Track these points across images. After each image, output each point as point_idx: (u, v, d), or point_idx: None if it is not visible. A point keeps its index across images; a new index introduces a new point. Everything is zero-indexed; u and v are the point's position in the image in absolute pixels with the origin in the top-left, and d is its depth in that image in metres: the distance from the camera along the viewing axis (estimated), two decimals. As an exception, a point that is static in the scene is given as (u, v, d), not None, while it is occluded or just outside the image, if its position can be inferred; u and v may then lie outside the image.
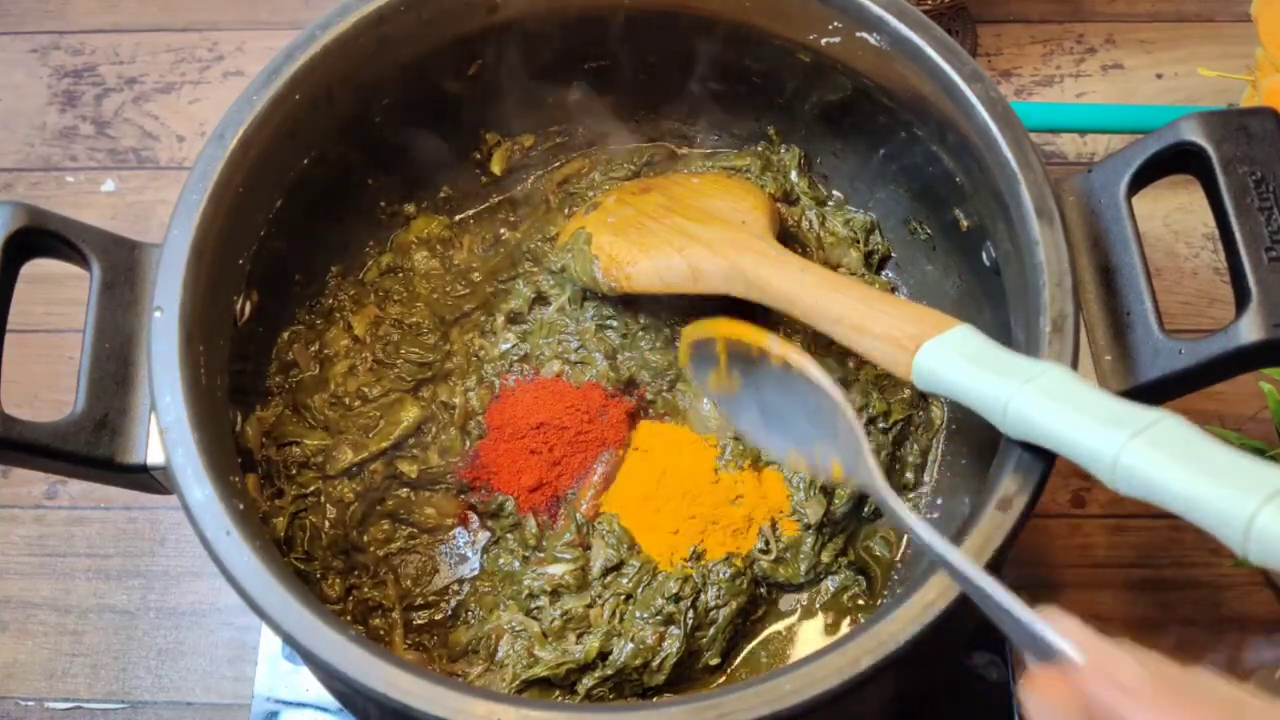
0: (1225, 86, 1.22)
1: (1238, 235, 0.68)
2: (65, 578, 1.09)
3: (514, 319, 0.99)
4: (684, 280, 0.90)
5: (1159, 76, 1.26)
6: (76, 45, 1.34)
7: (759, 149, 1.04)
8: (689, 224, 0.92)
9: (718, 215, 0.93)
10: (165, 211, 1.20)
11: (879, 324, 0.76)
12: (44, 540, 1.11)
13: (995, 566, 0.66)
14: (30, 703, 1.05)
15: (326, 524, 0.91)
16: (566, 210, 1.04)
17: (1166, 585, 1.05)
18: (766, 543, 0.90)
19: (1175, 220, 1.19)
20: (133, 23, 1.35)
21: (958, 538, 0.67)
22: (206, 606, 1.08)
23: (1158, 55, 1.28)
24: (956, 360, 0.70)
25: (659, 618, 0.87)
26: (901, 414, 0.94)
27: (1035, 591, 1.05)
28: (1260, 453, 0.93)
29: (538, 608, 0.88)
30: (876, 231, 1.01)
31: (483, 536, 0.94)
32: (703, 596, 0.88)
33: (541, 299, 1.00)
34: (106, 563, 1.10)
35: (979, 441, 0.88)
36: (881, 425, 0.94)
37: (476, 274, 1.02)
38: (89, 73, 1.32)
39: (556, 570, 0.90)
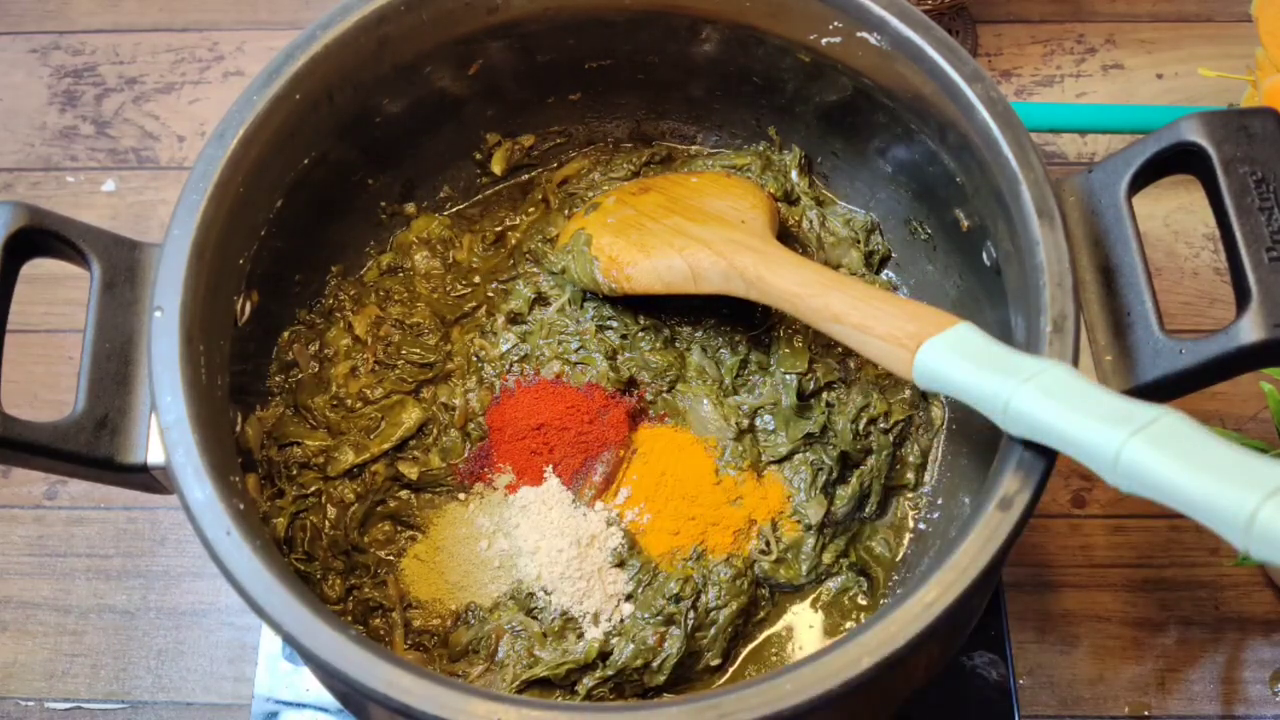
0: (1226, 86, 1.22)
1: (1238, 235, 0.68)
2: (65, 578, 1.09)
3: (514, 319, 0.99)
4: (684, 281, 0.90)
5: (1159, 76, 1.27)
6: (77, 45, 1.34)
7: (759, 149, 1.04)
8: (688, 224, 0.92)
9: (717, 215, 0.93)
10: (165, 211, 1.21)
11: (879, 323, 0.76)
12: (44, 540, 1.11)
13: (996, 566, 0.66)
14: (30, 703, 1.05)
15: (327, 525, 0.91)
16: (566, 211, 1.03)
17: (1166, 585, 1.05)
18: (767, 543, 0.90)
19: (1175, 220, 1.19)
20: (133, 23, 1.35)
21: (959, 538, 0.67)
22: (206, 606, 1.08)
23: (1158, 55, 1.28)
24: (956, 359, 0.70)
25: (659, 618, 0.87)
26: (902, 414, 0.95)
27: (1035, 591, 1.05)
28: (1261, 452, 0.93)
29: (538, 607, 0.88)
30: (877, 232, 1.01)
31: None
32: (703, 597, 0.88)
33: (542, 299, 1.00)
34: (106, 563, 1.10)
35: (979, 441, 0.88)
36: (882, 425, 0.94)
37: (477, 274, 1.02)
38: (89, 73, 1.32)
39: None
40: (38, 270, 0.77)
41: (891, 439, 0.94)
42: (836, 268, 1.00)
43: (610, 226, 0.95)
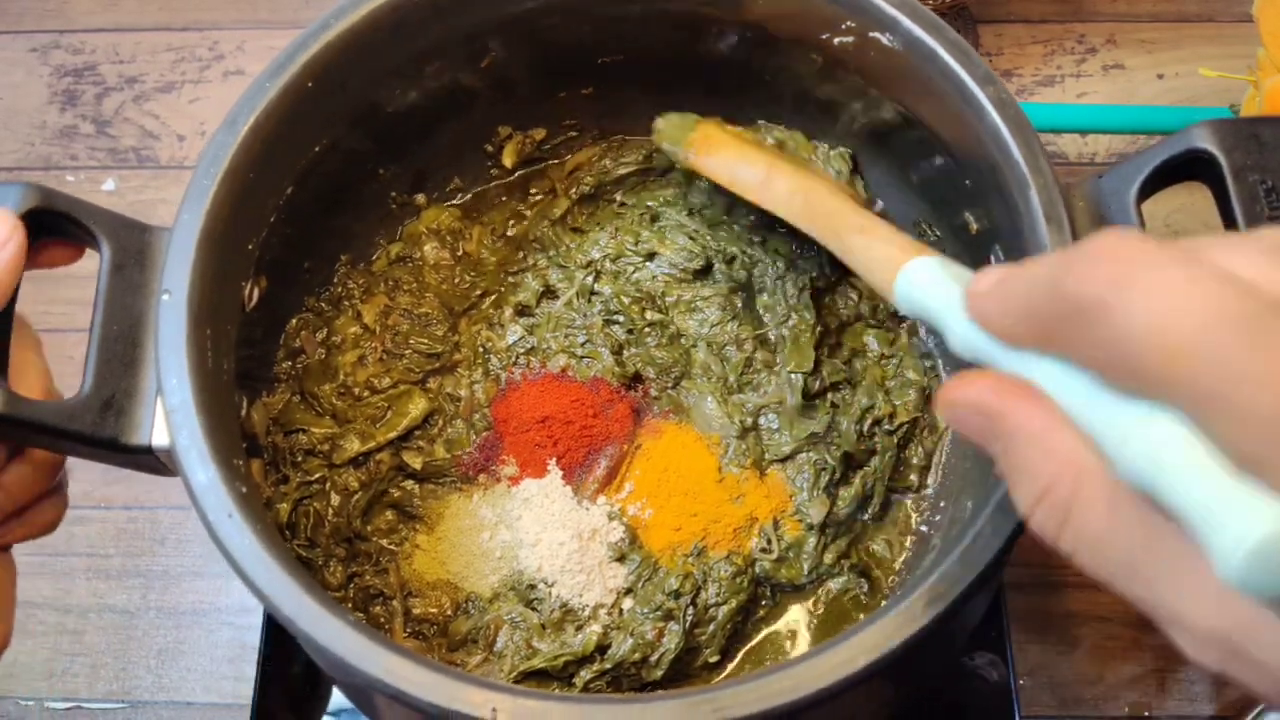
0: (1227, 87, 1.22)
1: (1246, 243, 0.68)
2: (65, 578, 1.09)
3: (522, 311, 0.99)
4: (753, 180, 0.90)
5: (1160, 77, 1.27)
6: (77, 44, 1.34)
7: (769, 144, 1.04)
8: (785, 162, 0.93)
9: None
10: (165, 211, 1.21)
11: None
12: (44, 540, 1.10)
13: (995, 570, 0.66)
14: (30, 703, 1.05)
15: (330, 512, 0.91)
16: (573, 190, 1.04)
17: (1167, 585, 1.05)
18: (769, 542, 0.90)
19: (1176, 220, 1.19)
20: (133, 22, 1.35)
21: (960, 540, 0.67)
22: (206, 606, 1.08)
23: (1159, 55, 1.28)
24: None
25: (659, 613, 0.87)
26: (907, 416, 0.94)
27: (1036, 591, 1.05)
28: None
29: (538, 599, 0.89)
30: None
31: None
32: (703, 594, 0.88)
33: (550, 292, 1.00)
34: (106, 563, 1.10)
35: (982, 444, 0.88)
36: (887, 427, 0.94)
37: (486, 265, 1.02)
38: (89, 72, 1.32)
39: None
40: (38, 270, 0.77)
41: (896, 441, 0.94)
42: None
43: (723, 128, 0.96)
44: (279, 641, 0.96)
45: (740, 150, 0.92)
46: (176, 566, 1.10)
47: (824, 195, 0.86)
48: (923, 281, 0.65)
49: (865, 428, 0.93)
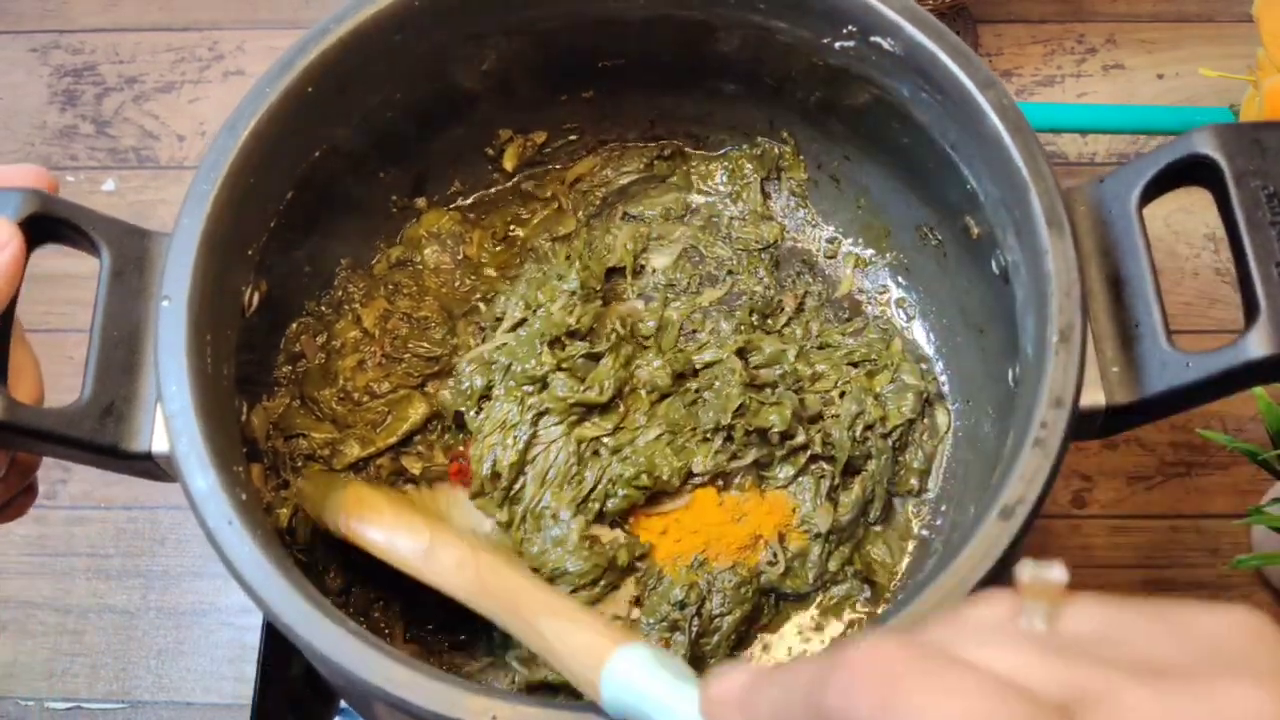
0: (1227, 87, 1.22)
1: (1248, 249, 0.67)
2: (65, 578, 1.09)
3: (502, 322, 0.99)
4: (414, 551, 0.80)
5: (1160, 77, 1.27)
6: (76, 44, 1.34)
7: (767, 149, 1.04)
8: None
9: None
10: (165, 211, 1.21)
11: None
12: (44, 540, 1.11)
13: (997, 575, 0.66)
14: (30, 703, 1.05)
15: (331, 517, 0.91)
16: (579, 211, 1.04)
17: (1167, 585, 1.05)
18: (774, 555, 0.90)
19: (1176, 221, 1.19)
20: (133, 22, 1.34)
21: (960, 545, 0.66)
22: (206, 606, 1.08)
23: (1159, 55, 1.28)
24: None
25: (664, 624, 0.87)
26: (900, 419, 0.94)
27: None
28: (1252, 455, 0.93)
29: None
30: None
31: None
32: (708, 604, 0.88)
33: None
34: (106, 563, 1.10)
35: (986, 449, 0.88)
36: (880, 430, 0.94)
37: (486, 269, 1.02)
38: (89, 72, 1.32)
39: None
40: (38, 270, 0.77)
41: (890, 444, 0.94)
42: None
43: (376, 488, 0.89)
44: (279, 642, 0.96)
45: (398, 515, 0.84)
46: (176, 566, 1.10)
47: (499, 567, 0.77)
48: (638, 679, 0.57)
49: (858, 433, 0.93)
